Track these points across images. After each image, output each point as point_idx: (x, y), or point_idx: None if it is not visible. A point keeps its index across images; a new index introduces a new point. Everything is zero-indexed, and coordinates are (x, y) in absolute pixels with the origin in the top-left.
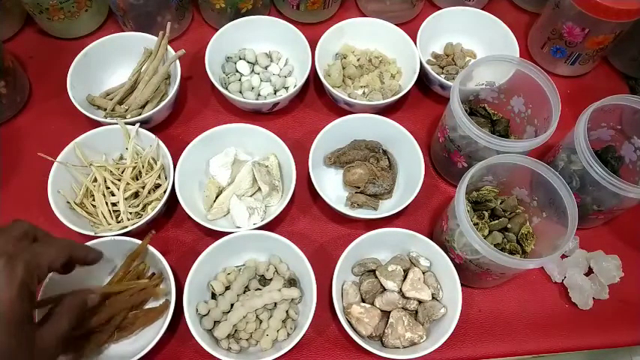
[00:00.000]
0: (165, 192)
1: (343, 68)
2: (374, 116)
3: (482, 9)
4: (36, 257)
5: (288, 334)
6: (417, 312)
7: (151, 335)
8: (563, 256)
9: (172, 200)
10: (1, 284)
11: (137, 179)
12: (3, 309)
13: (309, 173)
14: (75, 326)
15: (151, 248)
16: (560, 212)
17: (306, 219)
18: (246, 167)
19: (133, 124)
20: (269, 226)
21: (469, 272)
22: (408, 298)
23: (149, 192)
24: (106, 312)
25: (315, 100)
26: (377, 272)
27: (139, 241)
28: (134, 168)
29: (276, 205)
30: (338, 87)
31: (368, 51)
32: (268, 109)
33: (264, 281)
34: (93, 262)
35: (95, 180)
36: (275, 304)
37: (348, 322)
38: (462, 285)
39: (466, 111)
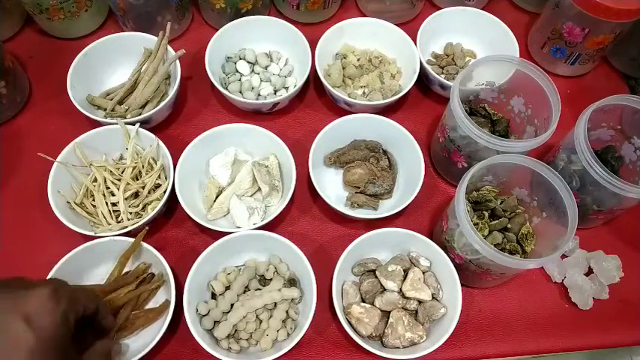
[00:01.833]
0: (165, 192)
1: (343, 68)
2: (374, 116)
3: (483, 9)
4: (76, 293)
5: (288, 334)
6: (417, 312)
7: (151, 335)
8: (563, 256)
9: (172, 200)
10: (46, 309)
11: (137, 179)
12: (46, 334)
13: (309, 173)
14: None
15: (152, 248)
16: (560, 212)
17: (306, 219)
18: (246, 167)
19: (133, 124)
20: (269, 226)
21: (469, 272)
22: (408, 298)
23: (149, 192)
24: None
25: (315, 100)
26: (377, 272)
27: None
28: (134, 168)
29: (276, 205)
30: (338, 87)
31: (368, 51)
32: (268, 109)
33: (264, 281)
34: (108, 326)
35: (95, 180)
36: (275, 304)
37: (348, 322)
38: (462, 285)
39: (466, 111)
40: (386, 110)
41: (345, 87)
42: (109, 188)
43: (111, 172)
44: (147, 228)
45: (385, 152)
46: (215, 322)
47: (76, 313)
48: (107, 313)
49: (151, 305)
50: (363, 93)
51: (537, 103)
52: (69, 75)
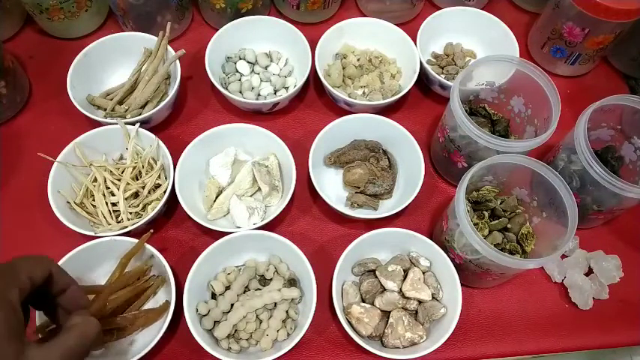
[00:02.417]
0: (165, 192)
1: (343, 68)
2: (374, 116)
3: (483, 9)
4: (12, 268)
5: (288, 334)
6: (417, 312)
7: (151, 335)
8: (563, 256)
9: (172, 200)
10: None
11: (137, 179)
12: None
13: (309, 173)
14: (90, 349)
15: (152, 248)
16: (560, 212)
17: (306, 219)
18: (246, 167)
19: (133, 124)
20: (269, 226)
21: (469, 272)
22: (408, 298)
23: (149, 192)
24: (106, 309)
25: (315, 100)
26: (377, 272)
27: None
28: (134, 168)
29: (276, 205)
30: (338, 87)
31: (368, 51)
32: (268, 109)
33: (264, 281)
34: (75, 295)
35: (95, 180)
36: (275, 304)
37: (348, 322)
38: (462, 285)
39: (466, 111)
40: (386, 110)
41: (345, 87)
42: (109, 188)
43: (111, 172)
44: (151, 231)
45: (385, 152)
46: (215, 322)
47: (21, 289)
48: (66, 278)
49: (150, 305)
50: (363, 93)
51: (537, 103)
52: (69, 75)
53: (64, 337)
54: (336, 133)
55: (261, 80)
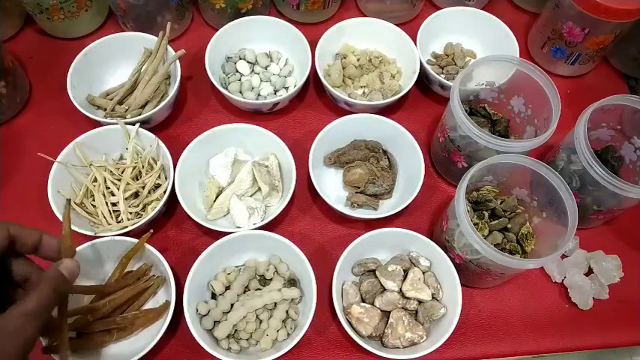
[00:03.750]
0: (165, 192)
1: (343, 68)
2: (374, 116)
3: (483, 9)
4: None
5: (288, 334)
6: (417, 312)
7: (150, 335)
8: (563, 256)
9: (172, 200)
10: None
11: (137, 179)
12: None
13: (309, 173)
14: (56, 303)
15: (152, 248)
16: (560, 212)
17: (306, 219)
18: (246, 167)
19: (133, 124)
20: (269, 226)
21: (469, 272)
22: (408, 298)
23: (149, 192)
24: (106, 309)
25: (315, 100)
26: (377, 272)
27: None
28: (134, 168)
29: (276, 205)
30: (338, 87)
31: (368, 51)
32: (268, 109)
33: (264, 281)
34: (50, 248)
35: (95, 180)
36: (275, 304)
37: (348, 322)
38: (462, 285)
39: (466, 111)
40: (386, 110)
41: (345, 87)
42: (109, 188)
43: (111, 172)
44: (151, 231)
45: (385, 152)
46: (215, 322)
47: None
48: (32, 233)
49: (150, 305)
50: (363, 93)
51: (537, 103)
52: (69, 75)
53: (23, 301)
54: (336, 133)
55: (261, 80)
